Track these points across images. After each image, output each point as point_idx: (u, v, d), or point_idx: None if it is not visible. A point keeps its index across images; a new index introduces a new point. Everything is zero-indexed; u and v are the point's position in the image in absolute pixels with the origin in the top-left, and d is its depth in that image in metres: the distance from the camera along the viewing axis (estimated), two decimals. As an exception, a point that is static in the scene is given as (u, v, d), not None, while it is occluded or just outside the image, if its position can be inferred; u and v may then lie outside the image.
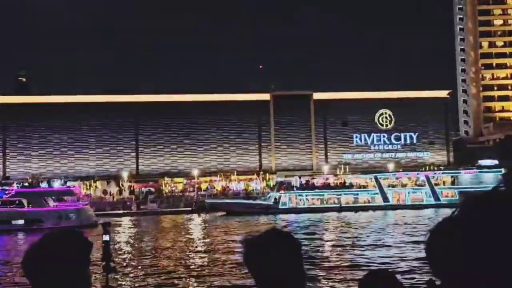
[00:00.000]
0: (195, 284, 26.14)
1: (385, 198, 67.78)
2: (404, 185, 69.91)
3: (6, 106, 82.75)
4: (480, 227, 1.10)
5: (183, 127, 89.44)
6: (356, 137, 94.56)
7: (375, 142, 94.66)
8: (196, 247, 39.71)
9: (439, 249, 1.12)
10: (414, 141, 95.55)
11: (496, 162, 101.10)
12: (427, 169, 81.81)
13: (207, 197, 74.31)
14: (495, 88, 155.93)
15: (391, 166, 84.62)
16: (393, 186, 69.52)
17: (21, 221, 51.97)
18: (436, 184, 69.55)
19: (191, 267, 30.53)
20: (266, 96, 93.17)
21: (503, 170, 78.40)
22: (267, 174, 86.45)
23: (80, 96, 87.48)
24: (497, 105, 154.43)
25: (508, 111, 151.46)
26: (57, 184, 60.61)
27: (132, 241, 44.31)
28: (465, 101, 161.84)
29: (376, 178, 69.44)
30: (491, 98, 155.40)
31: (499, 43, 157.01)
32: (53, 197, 54.45)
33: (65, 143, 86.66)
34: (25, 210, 52.72)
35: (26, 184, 59.65)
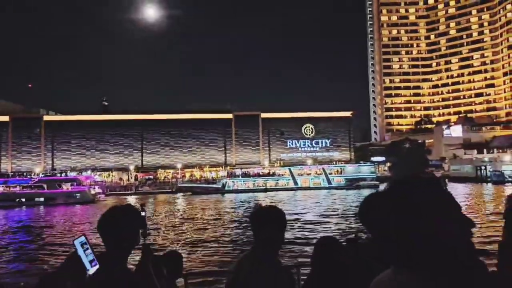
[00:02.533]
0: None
1: (295, 183, 68.39)
2: (309, 174, 70.28)
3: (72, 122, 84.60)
4: (397, 199, 1.07)
5: (174, 135, 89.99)
6: (289, 142, 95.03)
7: (302, 146, 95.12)
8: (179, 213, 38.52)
9: (370, 213, 1.08)
10: (328, 145, 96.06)
11: (383, 158, 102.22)
12: (336, 163, 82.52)
13: (180, 182, 74.54)
14: (393, 109, 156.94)
15: (309, 162, 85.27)
16: (301, 175, 69.97)
17: (41, 199, 52.56)
18: (330, 173, 70.05)
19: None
20: (230, 115, 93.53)
21: (382, 164, 79.24)
22: (228, 167, 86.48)
23: (109, 116, 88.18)
24: (394, 121, 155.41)
25: (401, 125, 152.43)
26: (71, 175, 62.01)
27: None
28: (374, 118, 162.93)
29: (289, 170, 70.14)
30: (390, 116, 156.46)
31: (396, 79, 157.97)
32: (68, 183, 54.88)
33: (93, 144, 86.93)
34: (44, 191, 53.20)
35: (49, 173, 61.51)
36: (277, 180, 68.98)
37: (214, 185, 67.83)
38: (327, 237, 2.56)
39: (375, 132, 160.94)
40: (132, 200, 56.85)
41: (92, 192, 54.93)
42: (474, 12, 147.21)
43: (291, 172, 69.25)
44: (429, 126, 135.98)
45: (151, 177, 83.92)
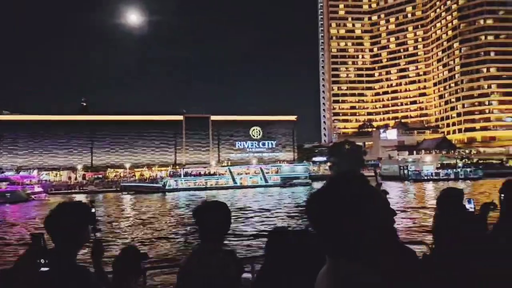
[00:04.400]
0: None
1: (234, 182, 66.38)
2: (247, 173, 68.53)
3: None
4: (331, 194, 1.09)
5: (125, 135, 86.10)
6: (238, 143, 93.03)
7: (249, 147, 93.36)
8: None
9: (313, 210, 1.11)
10: (274, 146, 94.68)
11: (324, 158, 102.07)
12: (281, 163, 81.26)
13: (123, 181, 71.09)
14: (340, 114, 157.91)
15: (254, 161, 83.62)
16: (240, 174, 68.11)
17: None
18: (267, 173, 68.55)
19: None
20: (180, 117, 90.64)
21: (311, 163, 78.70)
22: (177, 167, 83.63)
23: (59, 116, 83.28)
24: (341, 124, 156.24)
25: (347, 128, 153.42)
26: (9, 174, 57.73)
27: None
28: (324, 122, 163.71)
29: (229, 169, 68.10)
30: (338, 120, 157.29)
31: (344, 87, 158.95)
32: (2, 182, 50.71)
33: (42, 144, 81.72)
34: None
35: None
36: (218, 179, 66.79)
37: (156, 184, 64.89)
38: (280, 227, 2.34)
39: (324, 134, 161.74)
40: (78, 198, 53.38)
41: (27, 191, 50.97)
42: (410, 28, 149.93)
43: (230, 171, 67.22)
44: (370, 129, 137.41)
45: (100, 176, 79.91)
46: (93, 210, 2.09)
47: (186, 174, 66.06)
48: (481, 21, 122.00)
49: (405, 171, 75.78)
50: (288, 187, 63.36)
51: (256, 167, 69.72)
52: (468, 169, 74.12)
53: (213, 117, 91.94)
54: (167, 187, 62.88)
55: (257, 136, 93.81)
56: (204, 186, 64.13)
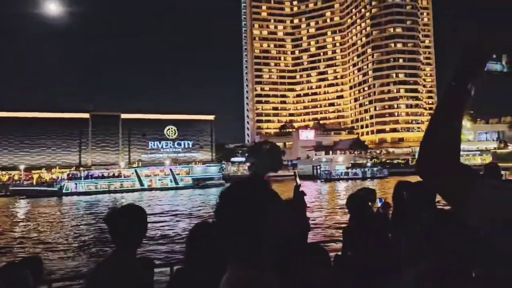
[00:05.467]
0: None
1: (141, 184, 62.22)
2: (156, 175, 64.63)
3: None
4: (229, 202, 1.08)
5: (19, 134, 77.15)
6: (151, 143, 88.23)
7: (164, 147, 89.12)
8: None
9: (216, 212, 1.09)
10: (190, 146, 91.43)
11: (243, 159, 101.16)
12: (197, 164, 78.32)
13: (14, 185, 63.28)
14: (263, 114, 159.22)
15: (167, 162, 79.60)
16: (148, 176, 64.04)
17: None
18: (178, 174, 65.29)
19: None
20: (87, 115, 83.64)
21: (223, 165, 77.22)
22: (81, 168, 76.65)
23: None
24: (264, 125, 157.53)
25: (269, 128, 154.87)
26: None
27: None
28: (247, 122, 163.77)
29: (135, 171, 63.79)
30: (261, 121, 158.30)
31: (266, 88, 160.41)
32: None
33: None
34: None
35: None
36: (122, 181, 62.05)
37: (51, 188, 58.35)
38: (202, 221, 2.29)
39: (247, 134, 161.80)
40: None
41: None
42: (329, 33, 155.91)
43: (137, 173, 62.89)
44: (291, 130, 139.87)
45: (-10, 179, 70.63)
46: None
47: (87, 176, 60.36)
48: (391, 29, 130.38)
49: (317, 171, 77.38)
50: (200, 188, 61.07)
51: (166, 168, 66.03)
52: (375, 169, 77.82)
53: (124, 115, 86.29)
54: (64, 191, 56.85)
55: (172, 136, 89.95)
56: (107, 189, 59.05)
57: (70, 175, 60.30)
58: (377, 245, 2.35)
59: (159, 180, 63.76)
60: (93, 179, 60.57)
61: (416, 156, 0.93)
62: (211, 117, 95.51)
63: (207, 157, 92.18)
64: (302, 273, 1.56)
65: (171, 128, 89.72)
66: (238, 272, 1.02)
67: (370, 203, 3.36)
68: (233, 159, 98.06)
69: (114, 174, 62.34)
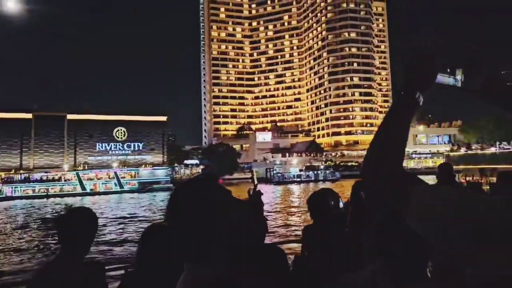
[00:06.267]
0: None
1: (83, 188, 59.22)
2: (100, 178, 61.71)
3: None
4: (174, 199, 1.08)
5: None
6: (99, 145, 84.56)
7: (112, 149, 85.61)
8: None
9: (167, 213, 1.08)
10: (141, 148, 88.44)
11: (197, 161, 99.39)
12: (147, 166, 75.92)
13: None
14: (221, 116, 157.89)
15: (115, 165, 76.54)
16: (91, 179, 61.04)
17: None
18: (123, 177, 62.71)
19: None
20: (29, 115, 78.92)
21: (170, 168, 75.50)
22: (21, 171, 71.89)
23: None
24: (222, 127, 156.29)
25: (227, 130, 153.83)
26: None
27: None
28: (205, 124, 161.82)
29: (77, 174, 60.74)
30: (218, 123, 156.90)
31: (224, 89, 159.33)
32: None
33: None
34: None
35: None
36: (63, 185, 58.74)
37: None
38: (153, 224, 2.23)
39: (205, 136, 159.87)
40: None
41: None
42: (287, 36, 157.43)
43: (78, 176, 59.90)
44: (248, 132, 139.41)
45: None
46: None
47: (25, 180, 56.49)
48: (346, 34, 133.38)
49: (270, 174, 77.15)
50: (147, 192, 59.01)
51: (110, 171, 63.26)
52: (327, 171, 78.69)
53: (70, 116, 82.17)
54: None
55: (122, 138, 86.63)
56: (45, 194, 55.61)
57: (5, 179, 56.39)
58: (335, 244, 2.32)
59: (102, 183, 61.10)
60: (31, 183, 56.88)
61: (362, 159, 0.95)
62: (164, 118, 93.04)
63: (159, 159, 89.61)
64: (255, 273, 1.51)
65: (121, 130, 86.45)
66: (194, 271, 1.02)
67: (332, 203, 3.20)
68: (186, 161, 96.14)
69: (54, 177, 58.87)
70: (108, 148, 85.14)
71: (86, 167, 75.03)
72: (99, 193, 58.68)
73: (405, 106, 0.95)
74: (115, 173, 62.54)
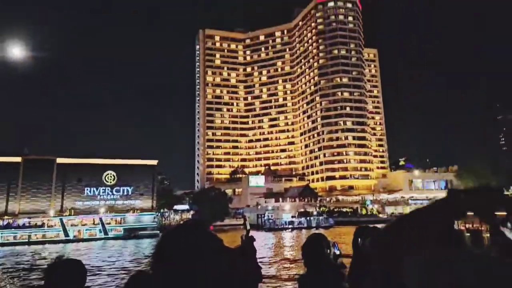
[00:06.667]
0: None
1: (66, 234, 57.33)
2: (84, 224, 59.88)
3: None
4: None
5: None
6: (87, 190, 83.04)
7: (101, 193, 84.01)
8: None
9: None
10: (130, 193, 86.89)
11: (187, 206, 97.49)
12: (135, 212, 74.31)
13: None
14: (214, 160, 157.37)
15: (102, 210, 74.84)
16: (75, 225, 59.20)
17: None
18: (108, 223, 60.91)
19: None
20: (18, 159, 78.18)
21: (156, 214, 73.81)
22: (5, 217, 69.92)
23: None
24: (215, 170, 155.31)
25: (220, 174, 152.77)
26: None
27: None
28: (198, 168, 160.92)
29: (60, 220, 59.08)
30: (211, 166, 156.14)
31: (218, 133, 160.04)
32: None
33: None
34: None
35: None
36: (46, 231, 56.84)
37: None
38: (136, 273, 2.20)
39: (197, 180, 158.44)
40: None
41: None
42: (280, 81, 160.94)
43: (62, 222, 58.19)
44: (241, 176, 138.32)
45: None
46: None
47: (6, 226, 54.64)
48: (338, 79, 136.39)
49: (261, 220, 75.42)
50: (133, 238, 57.13)
51: (95, 217, 61.60)
52: (321, 218, 77.09)
53: (60, 160, 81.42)
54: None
55: (111, 182, 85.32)
56: (27, 241, 53.65)
57: (-15, 225, 54.60)
58: None
59: (86, 230, 59.25)
60: (13, 229, 55.00)
61: (380, 233, 0.93)
62: (154, 162, 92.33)
63: (148, 204, 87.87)
64: None
65: (110, 174, 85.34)
66: None
67: (327, 250, 3.11)
68: (176, 206, 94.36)
69: (36, 223, 57.09)
70: (96, 192, 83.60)
71: (72, 213, 73.27)
72: (83, 240, 56.73)
73: (443, 211, 0.92)
74: (100, 219, 60.88)
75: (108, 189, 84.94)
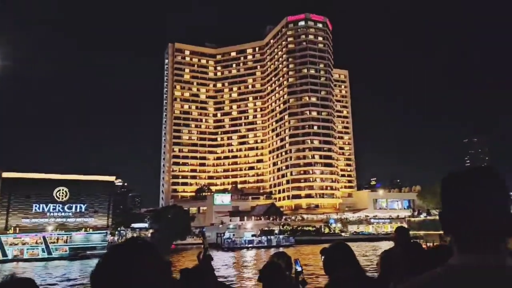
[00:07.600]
0: None
1: (4, 254, 53.58)
2: (25, 243, 56.06)
3: None
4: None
5: None
6: (36, 206, 78.43)
7: (51, 210, 79.53)
8: None
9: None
10: (83, 210, 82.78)
11: (146, 225, 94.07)
12: (88, 230, 70.61)
13: None
14: (180, 177, 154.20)
15: (50, 228, 70.77)
16: (15, 244, 55.34)
17: None
18: (52, 242, 57.29)
19: None
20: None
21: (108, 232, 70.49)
22: None
23: None
24: (180, 188, 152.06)
25: (186, 191, 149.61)
26: None
27: None
28: (163, 185, 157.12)
29: (-2, 238, 54.94)
30: (177, 183, 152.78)
31: (185, 149, 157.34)
32: None
33: None
34: None
35: None
36: (-23, 252, 52.85)
37: None
38: None
39: (162, 198, 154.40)
40: None
41: None
42: (250, 98, 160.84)
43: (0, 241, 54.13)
44: (207, 194, 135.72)
45: None
46: None
47: None
48: (307, 98, 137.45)
49: (221, 239, 73.30)
50: (79, 259, 53.79)
51: (38, 235, 57.99)
52: (281, 236, 75.67)
53: (5, 174, 76.78)
54: None
55: (63, 198, 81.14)
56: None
57: None
58: None
59: (28, 249, 55.42)
60: None
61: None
62: (111, 178, 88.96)
63: (103, 222, 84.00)
64: None
65: (62, 190, 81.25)
66: None
67: (287, 272, 2.97)
68: (134, 225, 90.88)
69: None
70: (46, 209, 79.12)
71: (17, 230, 68.83)
72: (23, 260, 52.96)
73: None
74: (44, 237, 57.43)
75: (59, 206, 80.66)
